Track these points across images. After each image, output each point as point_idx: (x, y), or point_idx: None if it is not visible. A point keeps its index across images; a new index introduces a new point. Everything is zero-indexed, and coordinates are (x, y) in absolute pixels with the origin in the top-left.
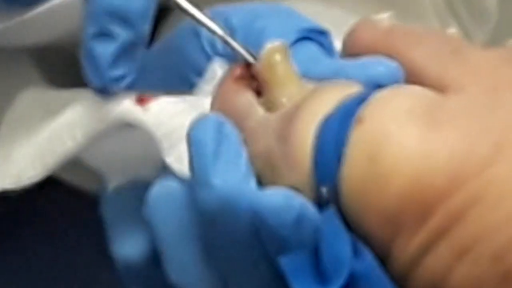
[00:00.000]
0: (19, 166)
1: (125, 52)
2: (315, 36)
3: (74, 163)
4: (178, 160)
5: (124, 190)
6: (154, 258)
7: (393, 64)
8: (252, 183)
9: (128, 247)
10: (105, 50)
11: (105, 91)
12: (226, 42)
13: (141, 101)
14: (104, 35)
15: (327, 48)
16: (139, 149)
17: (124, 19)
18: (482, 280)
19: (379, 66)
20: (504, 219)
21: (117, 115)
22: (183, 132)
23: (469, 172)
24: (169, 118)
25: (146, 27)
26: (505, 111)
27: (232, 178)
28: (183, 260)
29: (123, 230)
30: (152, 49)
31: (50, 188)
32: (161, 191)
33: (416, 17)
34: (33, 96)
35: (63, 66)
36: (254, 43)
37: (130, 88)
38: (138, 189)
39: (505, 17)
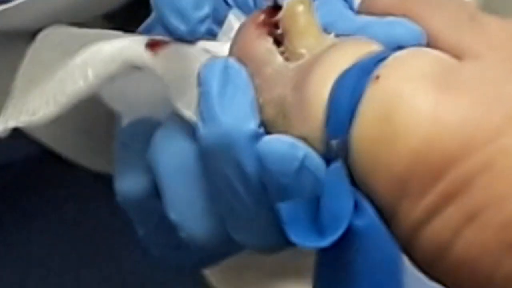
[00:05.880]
0: (34, 104)
1: None
2: None
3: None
4: (187, 106)
5: (134, 127)
6: (154, 193)
7: (417, 28)
8: (254, 124)
9: (128, 179)
10: None
11: (192, 36)
12: None
13: (152, 45)
14: None
15: (349, 2)
16: (153, 90)
17: None
18: (487, 248)
19: (403, 27)
20: None
21: (127, 58)
22: (193, 79)
23: (481, 139)
24: (178, 64)
25: None
26: None
27: (236, 116)
28: (182, 199)
29: (127, 164)
30: None
31: (54, 158)
32: (166, 132)
33: None
34: (53, 36)
35: None
36: None
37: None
38: (148, 127)
39: None
